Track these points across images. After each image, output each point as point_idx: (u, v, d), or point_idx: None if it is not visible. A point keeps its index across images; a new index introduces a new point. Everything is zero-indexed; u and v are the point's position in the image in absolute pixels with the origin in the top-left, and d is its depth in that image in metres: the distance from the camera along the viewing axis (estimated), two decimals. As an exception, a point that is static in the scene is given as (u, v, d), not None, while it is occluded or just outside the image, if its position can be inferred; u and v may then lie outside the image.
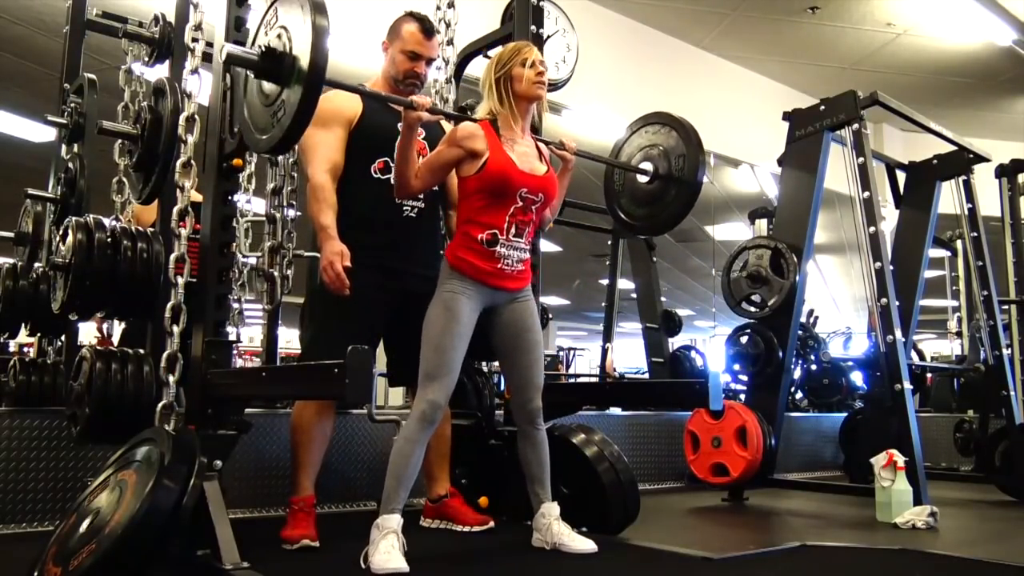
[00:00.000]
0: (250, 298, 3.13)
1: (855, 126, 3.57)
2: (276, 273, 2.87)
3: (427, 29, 2.53)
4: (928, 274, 4.43)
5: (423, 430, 2.07)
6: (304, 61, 1.75)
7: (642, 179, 2.79)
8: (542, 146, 2.36)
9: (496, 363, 2.86)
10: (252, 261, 3.07)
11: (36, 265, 3.10)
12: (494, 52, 2.29)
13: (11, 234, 3.39)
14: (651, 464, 4.20)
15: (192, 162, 2.18)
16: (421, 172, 2.18)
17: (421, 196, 2.51)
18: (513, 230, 2.20)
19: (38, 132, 6.54)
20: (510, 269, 2.21)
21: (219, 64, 2.20)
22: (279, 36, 1.85)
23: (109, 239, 2.29)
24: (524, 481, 2.28)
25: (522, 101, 2.23)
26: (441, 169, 2.22)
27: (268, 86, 1.89)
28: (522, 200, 2.20)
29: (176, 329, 2.10)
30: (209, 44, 2.27)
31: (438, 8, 3.14)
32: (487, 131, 2.18)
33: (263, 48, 1.86)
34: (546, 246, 4.69)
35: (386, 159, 2.45)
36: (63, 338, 3.09)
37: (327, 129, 2.39)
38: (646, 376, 6.81)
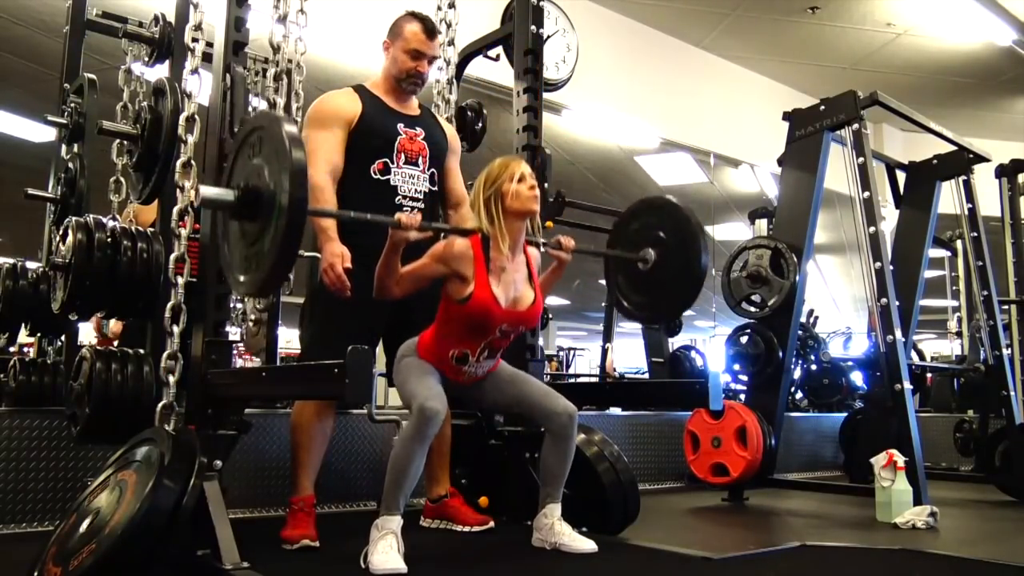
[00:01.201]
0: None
1: (855, 126, 3.57)
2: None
3: (429, 28, 2.52)
4: (928, 274, 4.43)
5: (422, 434, 1.99)
6: (284, 199, 1.67)
7: (641, 265, 2.62)
8: (535, 260, 2.29)
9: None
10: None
11: (35, 265, 3.10)
12: (484, 172, 2.19)
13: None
14: (651, 464, 4.20)
15: (192, 162, 2.18)
16: (403, 280, 2.11)
17: (420, 197, 2.51)
18: (486, 352, 2.21)
19: (38, 132, 6.54)
20: (476, 376, 2.24)
21: (219, 64, 2.20)
22: (258, 174, 1.79)
23: (109, 239, 2.29)
24: (524, 481, 2.27)
25: (513, 218, 2.15)
26: (426, 281, 2.16)
27: (248, 226, 1.84)
28: (500, 332, 2.19)
29: (176, 329, 2.09)
30: (209, 44, 2.27)
31: (439, 8, 3.14)
32: (476, 252, 2.12)
33: (240, 188, 1.83)
34: (546, 246, 4.68)
35: (385, 160, 2.46)
36: (63, 338, 3.10)
37: (326, 130, 2.39)
38: (646, 376, 6.80)
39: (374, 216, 2.04)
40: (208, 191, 1.85)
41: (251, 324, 3.00)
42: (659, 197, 2.72)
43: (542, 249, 2.33)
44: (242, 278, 1.86)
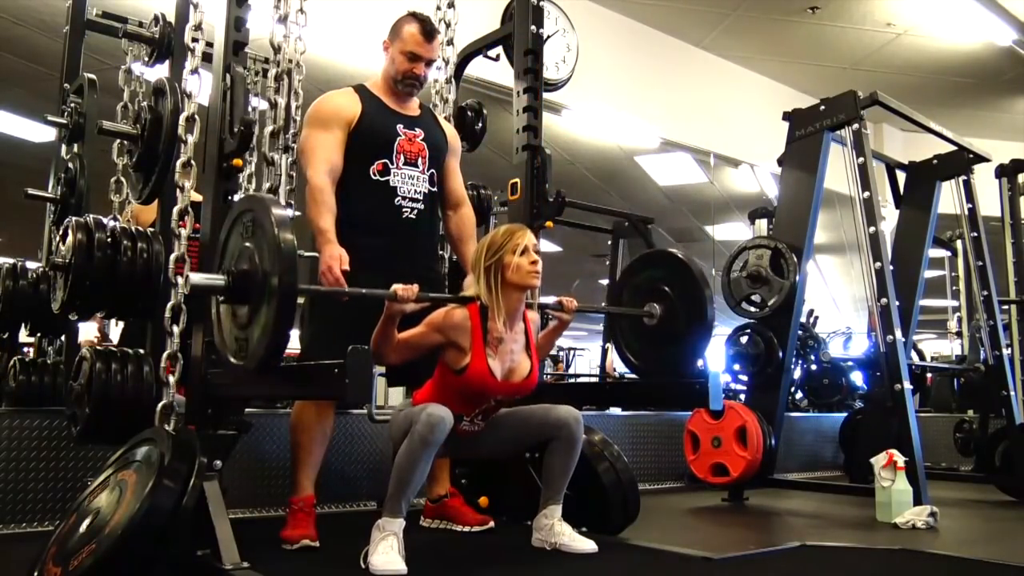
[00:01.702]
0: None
1: (855, 126, 3.57)
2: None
3: (428, 31, 2.51)
4: (928, 274, 4.43)
5: (427, 442, 1.98)
6: (274, 282, 1.69)
7: (647, 320, 2.58)
8: (534, 324, 2.28)
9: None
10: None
11: (35, 265, 3.10)
12: (488, 239, 2.18)
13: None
14: (651, 464, 4.20)
15: (192, 162, 2.18)
16: (400, 348, 2.10)
17: (420, 197, 2.50)
18: (480, 416, 2.22)
19: (38, 132, 6.53)
20: (470, 431, 2.24)
21: (219, 64, 2.20)
22: (248, 258, 1.81)
23: (109, 239, 2.29)
24: (524, 481, 2.27)
25: (512, 291, 2.14)
26: (422, 350, 2.15)
27: (238, 309, 1.86)
28: (496, 401, 2.21)
29: (176, 329, 2.09)
30: (209, 44, 2.27)
31: (438, 8, 3.14)
32: (474, 322, 2.10)
33: (231, 274, 1.85)
34: (546, 246, 4.69)
35: (385, 161, 2.45)
36: (63, 338, 3.09)
37: (326, 130, 2.39)
38: (646, 376, 6.78)
39: (370, 291, 2.03)
40: (197, 278, 1.86)
41: None
42: (662, 251, 2.72)
43: (537, 325, 2.32)
44: (235, 361, 1.88)
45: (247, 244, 1.84)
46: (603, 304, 2.89)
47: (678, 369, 2.52)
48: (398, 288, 1.97)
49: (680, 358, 2.53)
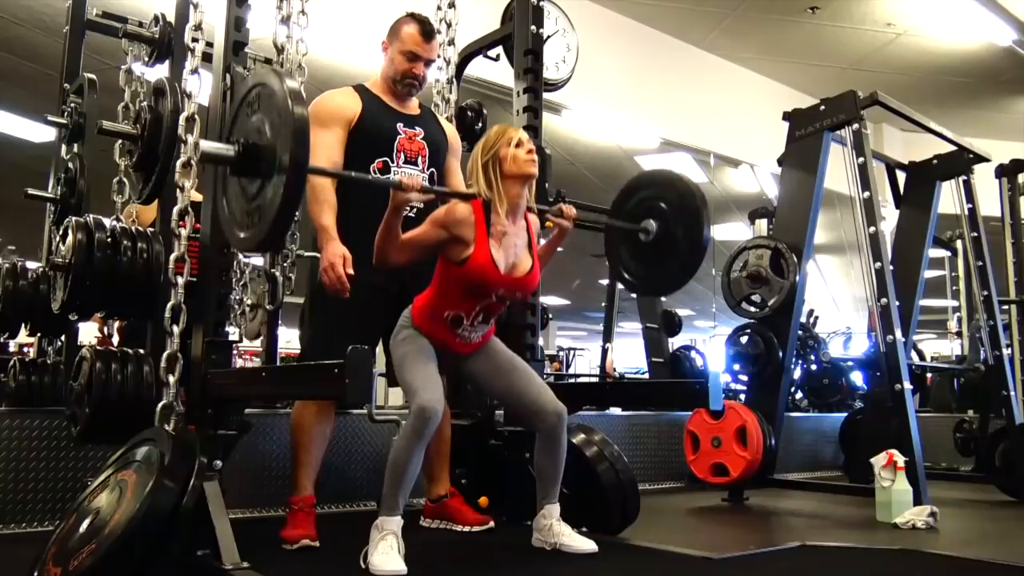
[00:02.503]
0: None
1: (855, 126, 3.57)
2: (278, 274, 2.86)
3: (427, 31, 2.51)
4: (928, 274, 4.43)
5: (420, 434, 1.99)
6: (285, 155, 1.67)
7: (643, 236, 2.61)
8: (535, 227, 2.30)
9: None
10: (254, 262, 3.06)
11: (35, 265, 3.10)
12: (482, 140, 2.21)
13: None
14: (651, 464, 4.20)
15: (192, 162, 2.18)
16: (405, 247, 2.10)
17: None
18: (480, 316, 2.20)
19: (38, 132, 6.54)
20: (470, 342, 2.23)
21: (219, 64, 2.20)
22: (257, 130, 1.79)
23: (109, 239, 2.29)
24: (524, 481, 2.27)
25: (512, 183, 2.15)
26: (426, 249, 2.15)
27: (247, 182, 1.85)
28: (497, 297, 2.19)
29: (176, 329, 2.09)
30: (209, 44, 2.27)
31: (439, 8, 3.14)
32: (477, 216, 2.12)
33: (240, 144, 1.83)
34: (546, 246, 4.69)
35: (385, 159, 2.46)
36: (63, 338, 3.10)
37: (326, 129, 2.39)
38: (646, 376, 6.80)
39: (375, 177, 2.05)
40: (208, 145, 1.85)
41: (247, 308, 2.99)
42: (661, 170, 2.73)
43: (537, 228, 2.33)
44: (242, 234, 1.86)
45: (257, 116, 1.81)
46: (602, 305, 2.89)
47: (673, 285, 2.55)
48: (402, 178, 2.00)
49: (676, 273, 2.58)
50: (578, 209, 2.41)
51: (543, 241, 2.43)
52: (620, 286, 6.30)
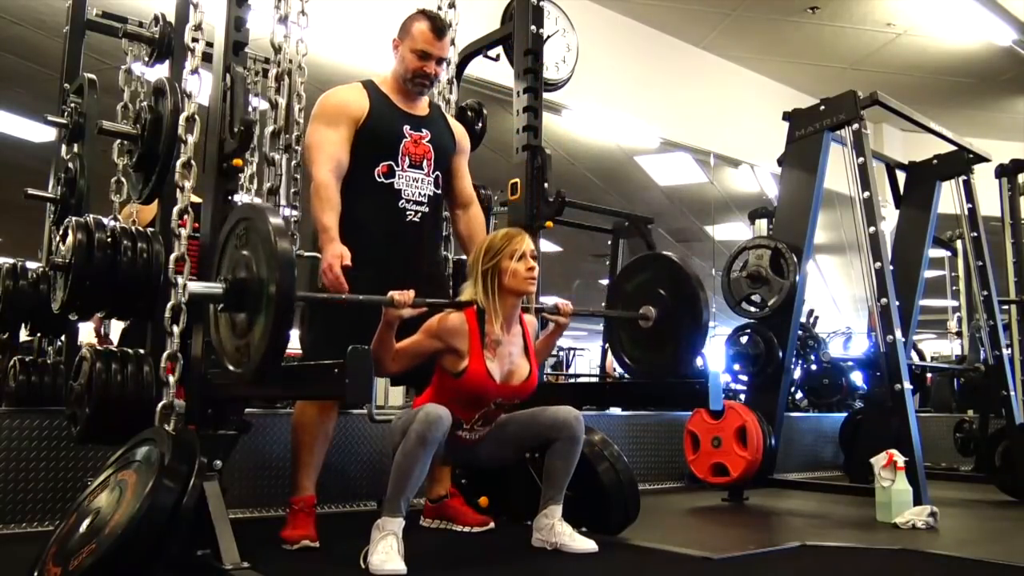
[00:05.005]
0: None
1: (855, 126, 3.57)
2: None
3: (439, 28, 2.48)
4: (928, 274, 4.43)
5: (425, 440, 1.98)
6: (272, 290, 1.69)
7: (643, 323, 2.56)
8: (531, 327, 2.29)
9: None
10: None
11: (35, 265, 3.10)
12: (486, 242, 2.20)
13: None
14: (651, 464, 4.20)
15: (192, 162, 2.18)
16: (399, 356, 2.11)
17: (424, 200, 2.48)
18: (480, 422, 2.23)
19: (38, 132, 6.53)
20: (472, 439, 2.25)
21: (219, 64, 2.20)
22: (245, 266, 1.82)
23: (109, 239, 2.29)
24: (524, 481, 2.27)
25: (509, 296, 2.16)
26: (421, 358, 2.16)
27: (237, 317, 1.87)
28: (496, 405, 2.21)
29: (176, 329, 2.09)
30: (209, 44, 2.27)
31: (439, 8, 3.14)
32: (471, 326, 2.12)
33: (228, 281, 1.86)
34: (546, 246, 4.70)
35: (390, 163, 2.43)
36: (63, 338, 3.09)
37: (332, 127, 2.38)
38: (646, 376, 6.78)
39: (367, 297, 2.04)
40: (196, 286, 1.88)
41: None
42: (657, 254, 2.71)
43: (535, 328, 2.33)
44: (234, 369, 1.89)
45: (244, 252, 1.85)
46: (601, 306, 2.89)
47: (675, 371, 2.52)
48: (395, 294, 1.98)
49: (677, 360, 2.52)
50: (577, 208, 2.41)
51: (542, 333, 2.43)
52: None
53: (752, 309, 3.80)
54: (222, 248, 1.96)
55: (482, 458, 2.34)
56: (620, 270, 2.73)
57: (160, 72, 2.91)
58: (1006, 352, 4.18)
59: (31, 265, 3.06)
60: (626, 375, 3.03)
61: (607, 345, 6.59)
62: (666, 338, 2.51)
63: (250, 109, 3.20)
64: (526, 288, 2.16)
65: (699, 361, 6.31)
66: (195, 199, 2.22)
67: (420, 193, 2.48)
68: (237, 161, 2.16)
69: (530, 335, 2.28)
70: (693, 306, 2.44)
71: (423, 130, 2.52)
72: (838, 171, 3.69)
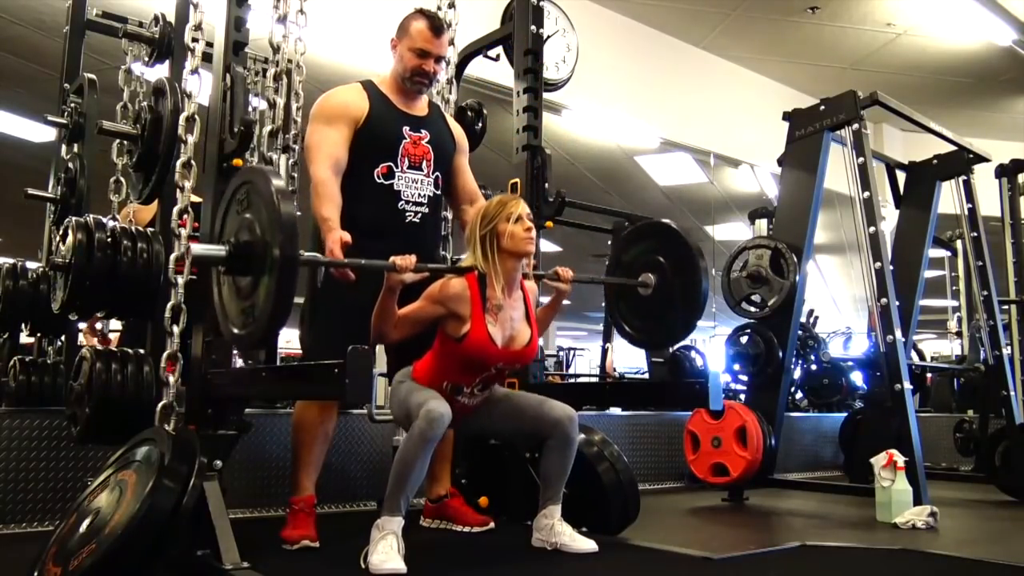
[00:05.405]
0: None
1: (855, 126, 3.57)
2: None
3: (436, 26, 2.48)
4: (928, 274, 4.43)
5: (426, 438, 1.99)
6: (275, 253, 1.68)
7: (642, 290, 2.58)
8: (532, 294, 2.30)
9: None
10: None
11: (35, 265, 3.10)
12: (482, 210, 2.20)
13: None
14: (651, 464, 4.20)
15: (192, 162, 2.18)
16: (401, 324, 2.11)
17: (424, 201, 2.48)
18: (480, 386, 2.22)
19: (38, 132, 6.54)
20: (470, 406, 2.25)
21: (219, 64, 2.20)
22: (248, 229, 1.82)
23: (109, 239, 2.29)
24: (524, 481, 2.27)
25: (508, 258, 2.16)
26: (423, 325, 2.15)
27: (241, 280, 1.86)
28: (496, 370, 2.21)
29: (176, 329, 2.09)
30: (209, 44, 2.27)
31: (438, 8, 3.14)
32: (472, 291, 2.12)
33: (231, 243, 1.85)
34: (546, 246, 4.69)
35: (389, 164, 2.42)
36: (63, 338, 3.09)
37: (331, 126, 2.37)
38: (646, 376, 6.80)
39: (369, 261, 2.04)
40: (199, 248, 1.87)
41: None
42: (657, 222, 2.70)
43: (535, 296, 2.33)
44: (238, 332, 1.88)
45: (246, 215, 1.83)
46: (603, 304, 2.89)
47: (674, 338, 2.53)
48: (396, 259, 1.99)
49: (677, 326, 2.56)
50: (577, 208, 2.41)
51: (544, 300, 2.43)
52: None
53: (752, 309, 3.80)
54: (224, 213, 1.95)
55: (473, 427, 2.35)
56: (622, 237, 2.71)
57: (160, 72, 2.92)
58: (1006, 352, 4.19)
59: (31, 265, 3.07)
60: (627, 374, 3.03)
61: (607, 345, 6.60)
62: (666, 305, 2.52)
63: (250, 109, 3.20)
64: (525, 248, 2.16)
65: (699, 361, 6.34)
66: (195, 199, 2.22)
67: (420, 194, 2.47)
68: (237, 161, 2.16)
69: (531, 302, 2.29)
70: (693, 273, 2.45)
71: (422, 131, 2.52)
72: (838, 171, 3.69)
